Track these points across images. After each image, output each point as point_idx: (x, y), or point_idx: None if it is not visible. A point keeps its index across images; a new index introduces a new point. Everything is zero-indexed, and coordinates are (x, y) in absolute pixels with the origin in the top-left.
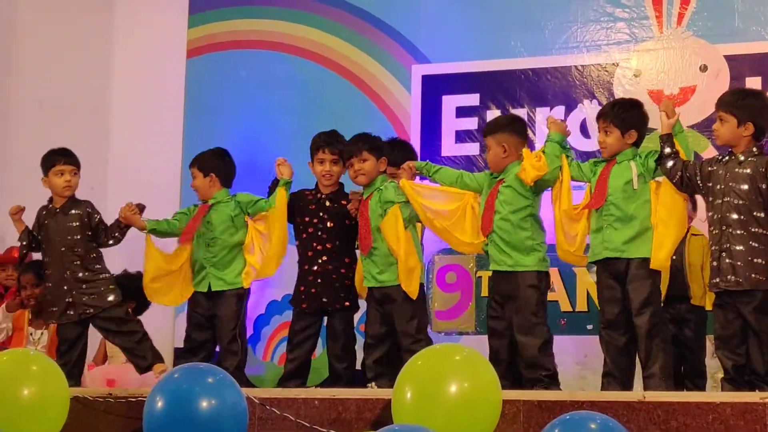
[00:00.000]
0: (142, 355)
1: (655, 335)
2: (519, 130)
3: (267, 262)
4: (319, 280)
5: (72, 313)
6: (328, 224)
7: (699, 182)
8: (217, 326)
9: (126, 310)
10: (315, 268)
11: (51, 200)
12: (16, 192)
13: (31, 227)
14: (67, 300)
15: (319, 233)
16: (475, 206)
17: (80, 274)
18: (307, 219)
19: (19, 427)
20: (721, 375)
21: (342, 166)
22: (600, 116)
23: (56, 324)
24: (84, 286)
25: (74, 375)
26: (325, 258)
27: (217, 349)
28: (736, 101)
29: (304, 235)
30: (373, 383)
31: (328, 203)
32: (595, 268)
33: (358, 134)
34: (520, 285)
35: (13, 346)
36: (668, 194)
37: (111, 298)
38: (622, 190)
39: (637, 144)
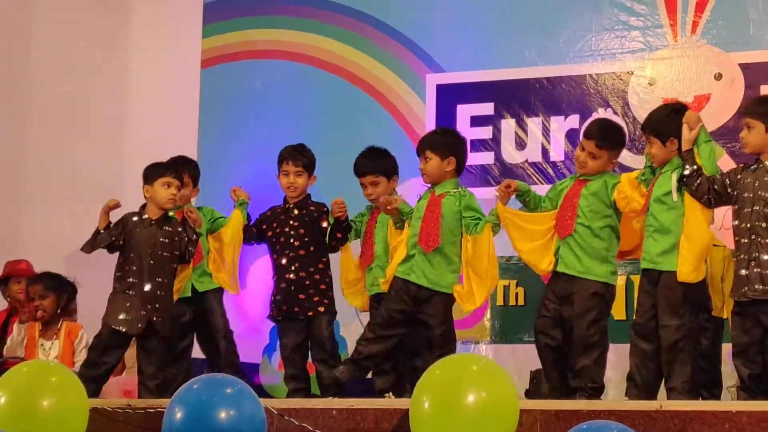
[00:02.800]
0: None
1: (680, 349)
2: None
3: (226, 280)
4: (292, 288)
5: (142, 326)
6: (300, 231)
7: (729, 192)
8: (207, 325)
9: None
10: (288, 276)
11: (143, 209)
12: (34, 199)
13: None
14: (141, 313)
15: (291, 240)
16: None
17: (159, 292)
18: (278, 230)
19: None
20: (731, 384)
21: (307, 178)
22: (642, 129)
23: (110, 328)
24: (158, 305)
25: (100, 382)
26: (297, 265)
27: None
28: (763, 107)
29: (278, 246)
30: (391, 393)
31: (296, 211)
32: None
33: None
34: (584, 292)
35: (25, 357)
36: (692, 208)
37: (170, 330)
38: (662, 201)
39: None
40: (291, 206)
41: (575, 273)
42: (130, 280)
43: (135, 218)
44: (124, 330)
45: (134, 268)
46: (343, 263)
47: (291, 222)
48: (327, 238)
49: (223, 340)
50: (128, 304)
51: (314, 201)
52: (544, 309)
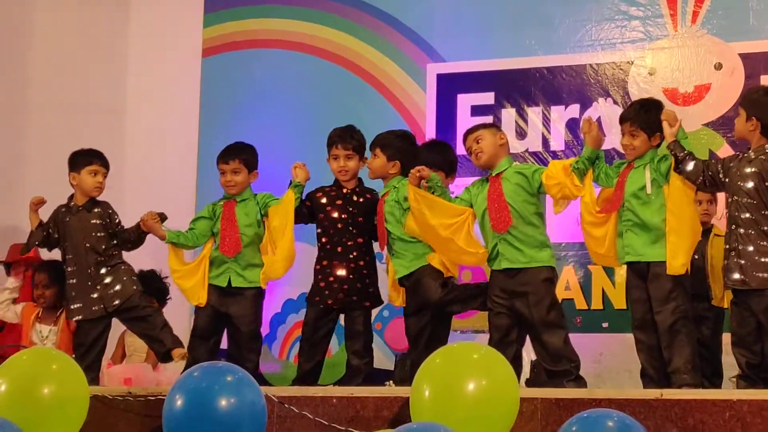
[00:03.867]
0: (162, 341)
1: (677, 331)
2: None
3: (276, 264)
4: (351, 276)
5: (99, 307)
6: (359, 219)
7: (722, 179)
8: (234, 324)
9: (147, 298)
10: (345, 263)
11: (71, 199)
12: (33, 192)
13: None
14: (92, 296)
15: (350, 228)
16: (472, 222)
17: (102, 270)
18: (335, 215)
19: (39, 426)
20: (733, 374)
21: (358, 161)
22: (625, 119)
23: (77, 321)
24: (108, 279)
25: (93, 371)
26: (355, 253)
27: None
28: (750, 95)
29: (332, 231)
30: (391, 381)
31: (355, 198)
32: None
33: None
34: (535, 281)
35: (22, 342)
36: (675, 201)
37: (135, 287)
38: (637, 196)
39: (658, 146)
40: (349, 192)
41: (519, 265)
42: (71, 268)
43: (64, 209)
44: (80, 318)
45: (72, 255)
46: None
47: (349, 208)
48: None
49: (246, 350)
50: (73, 293)
51: (367, 187)
52: (499, 306)
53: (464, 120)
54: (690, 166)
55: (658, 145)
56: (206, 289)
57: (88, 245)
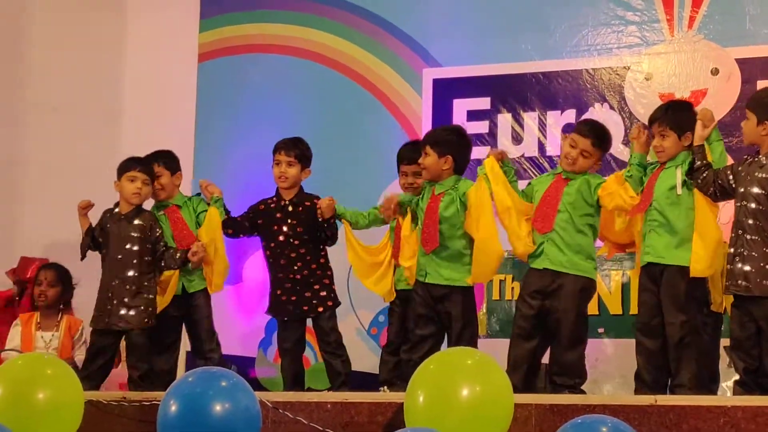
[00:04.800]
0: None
1: (687, 345)
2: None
3: (215, 280)
4: (298, 288)
5: (107, 321)
6: (298, 229)
7: (732, 186)
8: (191, 327)
9: (147, 336)
10: (291, 276)
11: (116, 205)
12: (32, 195)
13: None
14: (108, 307)
15: (291, 240)
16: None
17: (128, 287)
18: (275, 227)
19: (33, 431)
20: (729, 381)
21: (300, 170)
22: (654, 120)
23: (92, 329)
24: (126, 299)
25: (96, 380)
26: (299, 264)
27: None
28: (758, 99)
29: (273, 244)
30: (386, 387)
31: (291, 208)
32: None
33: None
34: (571, 287)
35: (22, 349)
36: (701, 204)
37: (145, 320)
38: (666, 196)
39: (689, 146)
40: (286, 203)
41: (560, 268)
42: (105, 276)
43: (108, 214)
44: (93, 327)
45: (106, 263)
46: (351, 258)
47: (288, 220)
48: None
49: (206, 340)
50: (98, 301)
51: (308, 194)
52: (526, 307)
53: (460, 125)
54: (702, 177)
55: (690, 146)
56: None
57: (120, 257)
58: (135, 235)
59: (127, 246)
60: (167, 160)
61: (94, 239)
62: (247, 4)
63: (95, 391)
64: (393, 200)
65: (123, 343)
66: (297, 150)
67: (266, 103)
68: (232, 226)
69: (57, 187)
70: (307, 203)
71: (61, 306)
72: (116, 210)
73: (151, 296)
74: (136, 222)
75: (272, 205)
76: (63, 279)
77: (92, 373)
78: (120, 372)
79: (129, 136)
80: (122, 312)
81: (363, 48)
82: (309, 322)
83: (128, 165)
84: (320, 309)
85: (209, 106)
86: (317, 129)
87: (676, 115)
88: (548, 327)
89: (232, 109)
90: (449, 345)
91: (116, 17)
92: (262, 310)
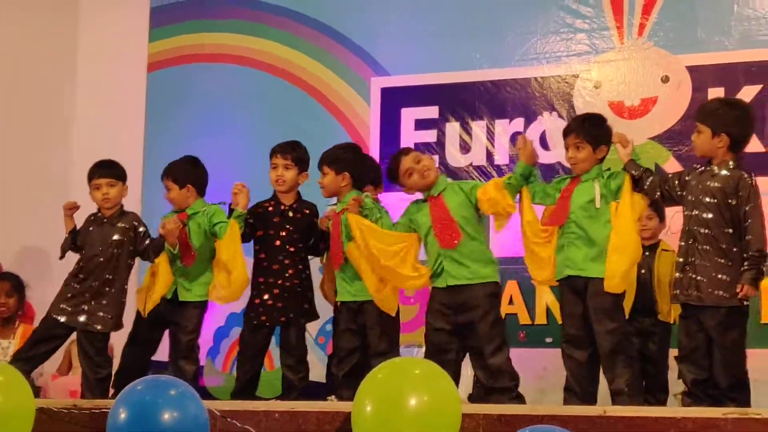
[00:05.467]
0: (92, 392)
1: (619, 352)
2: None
3: (233, 289)
4: (286, 294)
5: (70, 310)
6: (295, 236)
7: (678, 193)
8: (175, 334)
9: (107, 344)
10: (281, 281)
11: (98, 211)
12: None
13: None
14: (84, 307)
15: (287, 246)
16: (417, 247)
17: (107, 288)
18: (271, 232)
19: None
20: (679, 391)
21: (297, 173)
22: (570, 131)
23: (51, 316)
24: (104, 301)
25: (34, 365)
26: (291, 271)
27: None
28: (711, 111)
29: (269, 248)
30: (333, 396)
31: (291, 214)
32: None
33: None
34: (480, 296)
35: None
36: (621, 219)
37: (109, 326)
38: (584, 209)
39: (602, 160)
40: (286, 208)
41: (465, 281)
42: (80, 276)
43: (92, 217)
44: (62, 320)
45: (84, 264)
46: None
47: (287, 225)
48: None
49: (182, 360)
50: (70, 295)
51: (306, 201)
52: (440, 322)
53: (408, 134)
54: (648, 182)
55: (602, 159)
56: (153, 298)
57: (102, 259)
58: (118, 238)
59: (109, 249)
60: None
61: (74, 240)
62: (196, 14)
63: (46, 399)
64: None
65: (74, 351)
66: (294, 153)
67: (216, 112)
68: (244, 237)
69: (7, 195)
70: (307, 210)
71: (19, 313)
72: (99, 213)
73: (124, 300)
74: (120, 225)
75: (270, 209)
76: (18, 288)
77: (34, 357)
78: (71, 380)
79: (80, 144)
80: (86, 308)
81: (312, 57)
82: None
83: (90, 174)
84: (301, 320)
85: (159, 115)
86: (266, 138)
87: (593, 128)
88: (466, 339)
89: (181, 118)
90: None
91: (67, 27)
92: (211, 319)
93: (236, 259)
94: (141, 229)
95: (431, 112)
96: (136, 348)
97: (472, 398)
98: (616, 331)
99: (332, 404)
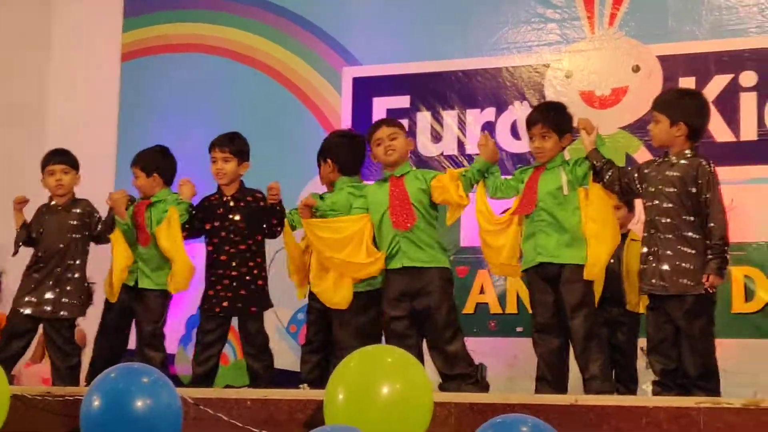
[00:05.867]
0: (63, 380)
1: (592, 337)
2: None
3: (177, 279)
4: (234, 284)
5: (49, 308)
6: (240, 225)
7: (637, 186)
8: (139, 322)
9: (74, 331)
10: (229, 271)
11: (51, 199)
12: None
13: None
14: (47, 296)
15: (232, 236)
16: (370, 232)
17: (68, 275)
18: (217, 223)
19: None
20: (647, 382)
21: (237, 164)
22: (535, 121)
23: (16, 311)
24: (68, 287)
25: (12, 363)
26: (238, 260)
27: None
28: (668, 101)
29: (216, 240)
30: (306, 384)
31: (233, 203)
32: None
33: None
34: (437, 281)
35: None
36: (596, 206)
37: (75, 312)
38: (553, 196)
39: (564, 147)
40: (228, 198)
41: (421, 264)
42: (39, 265)
43: (44, 208)
44: (28, 312)
45: (42, 254)
46: (288, 247)
47: (230, 215)
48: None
49: (147, 348)
50: (33, 286)
51: (249, 188)
52: (397, 310)
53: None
54: (607, 175)
55: (565, 147)
56: (114, 280)
57: (62, 246)
58: (74, 223)
59: (68, 234)
60: (143, 163)
61: (29, 235)
62: (169, 4)
63: (20, 386)
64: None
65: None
66: (232, 146)
67: (188, 102)
68: (190, 232)
69: None
70: (249, 198)
71: None
72: (52, 203)
73: (84, 286)
74: (75, 211)
75: (214, 201)
76: None
77: (13, 356)
78: (44, 368)
79: (53, 132)
80: (65, 300)
81: (283, 47)
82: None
83: (45, 160)
84: (253, 309)
85: (132, 105)
86: (238, 127)
87: (558, 116)
88: (422, 325)
89: (154, 108)
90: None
91: (41, 17)
92: (182, 307)
93: (177, 246)
94: (96, 214)
95: (403, 101)
96: (107, 338)
97: (442, 387)
98: (589, 315)
99: (304, 392)
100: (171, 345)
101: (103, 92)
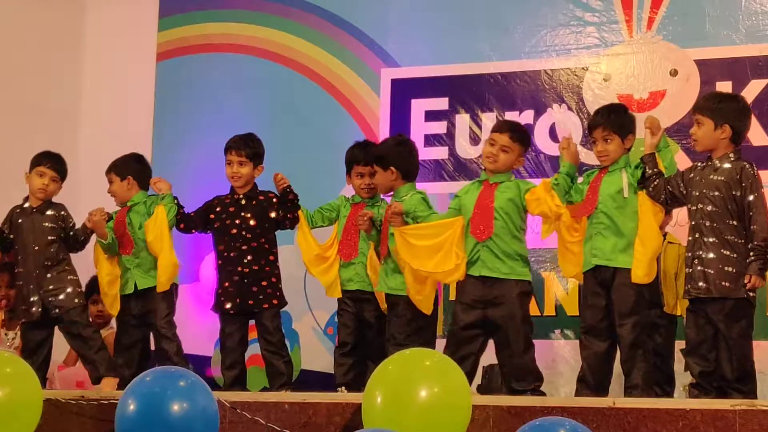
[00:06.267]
0: (95, 365)
1: (638, 346)
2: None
3: (160, 278)
4: (245, 281)
5: (38, 310)
6: (251, 223)
7: (682, 192)
8: (150, 320)
9: (88, 316)
10: (240, 269)
11: (26, 200)
12: None
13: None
14: (33, 299)
15: (243, 233)
16: (461, 235)
17: (49, 275)
18: (228, 221)
19: None
20: (686, 383)
21: (252, 168)
22: (597, 125)
23: (22, 324)
24: (51, 286)
25: (41, 375)
26: (250, 257)
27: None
28: (711, 104)
29: (226, 238)
30: (343, 387)
31: (244, 201)
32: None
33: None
34: (512, 293)
35: None
36: (645, 210)
37: (77, 300)
38: (613, 199)
39: (629, 149)
40: (240, 197)
41: (499, 275)
42: (19, 270)
43: (18, 210)
44: (23, 320)
45: (21, 257)
46: (300, 241)
47: (241, 213)
48: (280, 217)
49: (163, 340)
50: (20, 296)
51: (262, 190)
52: (466, 315)
53: (418, 125)
54: (653, 185)
55: (629, 149)
56: (109, 296)
57: (36, 248)
58: (49, 225)
59: (43, 236)
60: (117, 169)
61: (2, 239)
62: (205, 4)
63: (54, 390)
64: (366, 215)
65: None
66: (247, 149)
67: (224, 102)
68: (184, 221)
69: (13, 187)
70: (261, 197)
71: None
72: (26, 204)
73: (74, 277)
74: (49, 213)
75: (226, 201)
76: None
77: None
78: (78, 371)
79: (87, 135)
80: (51, 299)
81: (322, 47)
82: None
83: (39, 159)
84: (265, 306)
85: (167, 104)
86: (275, 128)
87: (619, 118)
88: (492, 334)
89: (190, 108)
90: None
91: (75, 16)
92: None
93: (162, 241)
94: (70, 220)
95: (441, 103)
96: (126, 354)
97: (481, 389)
98: (638, 324)
99: (342, 395)
100: (207, 347)
101: (138, 92)
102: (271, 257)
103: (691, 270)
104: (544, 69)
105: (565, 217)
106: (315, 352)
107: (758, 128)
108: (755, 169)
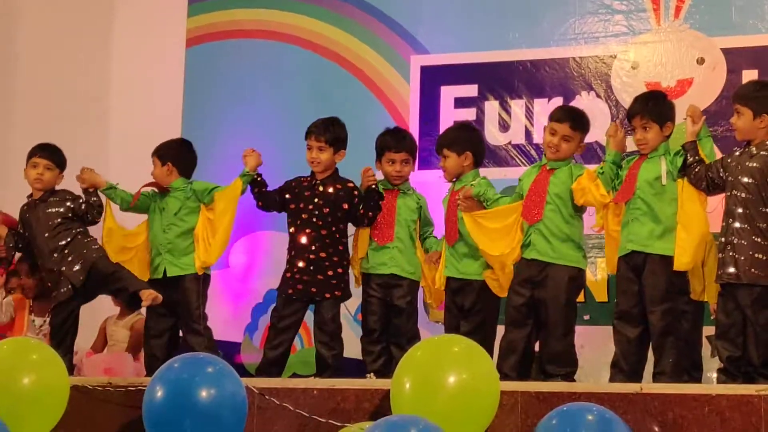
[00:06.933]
0: (126, 288)
1: (669, 333)
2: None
3: (209, 250)
4: (311, 268)
5: (68, 288)
6: (324, 209)
7: (722, 178)
8: (179, 311)
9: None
10: (307, 254)
11: (30, 196)
12: (19, 181)
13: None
14: (60, 278)
15: (314, 219)
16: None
17: (65, 251)
18: (302, 205)
19: (18, 416)
20: (714, 369)
21: (332, 153)
22: (635, 113)
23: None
24: (70, 258)
25: (68, 354)
26: (317, 245)
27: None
28: (750, 93)
29: (299, 222)
30: (372, 374)
31: (321, 188)
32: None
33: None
34: (560, 277)
35: (14, 334)
36: (689, 197)
37: (94, 254)
38: (651, 186)
39: (669, 136)
40: (317, 182)
41: (548, 258)
42: (39, 261)
43: (25, 207)
44: (55, 303)
45: (36, 249)
46: (361, 237)
47: (315, 199)
48: (360, 211)
49: (190, 334)
50: (49, 284)
51: (343, 177)
52: (517, 296)
53: (448, 112)
54: (694, 172)
55: (668, 136)
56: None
57: (47, 235)
58: (54, 210)
59: (50, 223)
60: (160, 152)
61: (19, 239)
62: None
63: (80, 377)
64: (468, 193)
65: (109, 329)
66: (328, 134)
67: (253, 88)
68: (262, 198)
69: None
70: (339, 186)
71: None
72: (30, 199)
73: (84, 237)
74: (52, 200)
75: (304, 183)
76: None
77: (67, 348)
78: (105, 357)
79: (117, 121)
80: (76, 268)
81: (351, 34)
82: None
83: (32, 151)
84: (327, 295)
85: (197, 90)
86: (304, 115)
87: (658, 106)
88: (538, 316)
89: (219, 94)
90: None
91: (105, 2)
92: (248, 295)
93: (225, 215)
94: (79, 199)
95: (470, 90)
96: (156, 341)
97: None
98: (669, 311)
99: (371, 382)
100: (237, 333)
101: (167, 78)
102: (341, 247)
103: (722, 255)
104: (573, 57)
105: (611, 206)
106: (346, 339)
107: None
108: None
